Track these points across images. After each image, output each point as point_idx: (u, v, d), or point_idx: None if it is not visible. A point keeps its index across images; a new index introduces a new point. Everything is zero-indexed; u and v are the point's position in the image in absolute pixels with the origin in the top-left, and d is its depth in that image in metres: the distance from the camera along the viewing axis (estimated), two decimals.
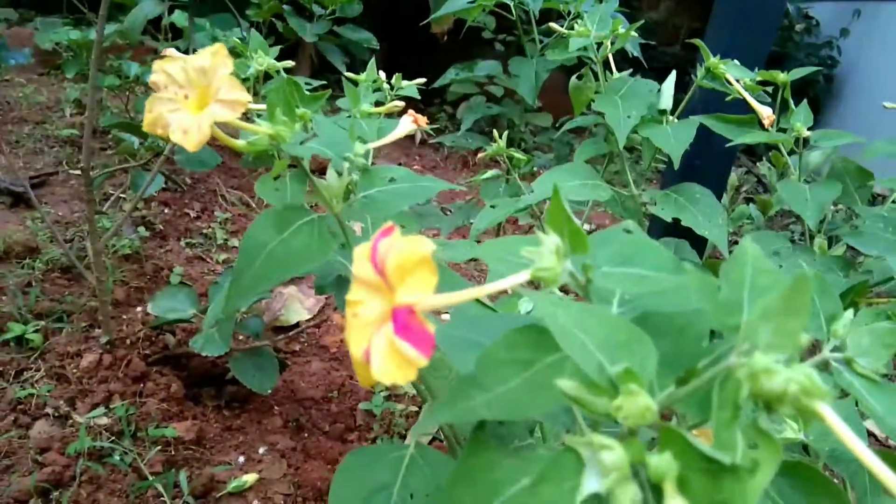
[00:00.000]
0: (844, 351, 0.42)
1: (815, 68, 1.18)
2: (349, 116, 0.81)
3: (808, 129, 1.06)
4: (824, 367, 0.42)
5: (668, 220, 0.93)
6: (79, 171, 2.04)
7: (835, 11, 4.70)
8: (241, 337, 1.52)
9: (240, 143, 0.50)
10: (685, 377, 0.29)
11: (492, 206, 0.97)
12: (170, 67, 0.45)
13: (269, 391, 1.41)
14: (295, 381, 1.60)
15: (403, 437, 1.46)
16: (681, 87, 1.11)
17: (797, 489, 0.32)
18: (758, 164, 2.23)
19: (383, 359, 0.28)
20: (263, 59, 0.79)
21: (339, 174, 0.54)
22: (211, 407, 1.42)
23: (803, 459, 0.41)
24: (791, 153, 1.14)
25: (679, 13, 4.49)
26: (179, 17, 2.10)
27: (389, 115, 0.81)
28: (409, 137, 3.39)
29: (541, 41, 1.48)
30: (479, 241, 1.20)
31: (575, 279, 0.34)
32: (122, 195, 2.11)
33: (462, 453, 0.32)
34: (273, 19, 1.98)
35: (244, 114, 0.53)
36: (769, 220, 2.07)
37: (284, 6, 1.67)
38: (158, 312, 1.27)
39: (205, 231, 2.13)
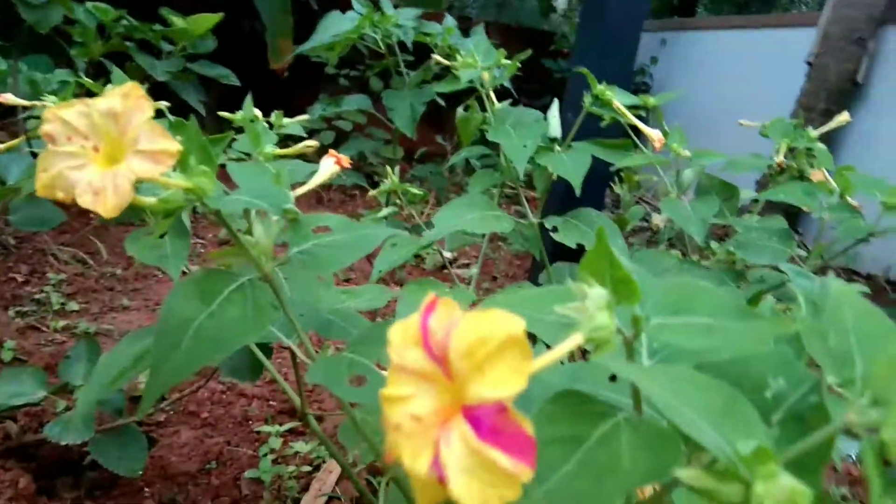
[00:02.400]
0: None
1: (674, 94, 1.24)
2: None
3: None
4: None
5: (573, 246, 0.92)
6: None
7: (645, 40, 5.15)
8: (94, 414, 1.33)
9: (149, 200, 0.41)
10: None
11: (392, 246, 0.91)
12: (68, 114, 0.35)
13: (140, 472, 1.24)
14: (164, 455, 1.42)
15: (297, 501, 1.35)
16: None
17: None
18: (612, 185, 2.36)
19: (469, 474, 0.22)
20: None
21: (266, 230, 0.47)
22: (69, 500, 1.23)
23: None
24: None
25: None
26: None
27: (297, 156, 0.73)
28: None
29: (408, 74, 1.45)
30: (381, 282, 1.14)
31: (621, 334, 0.29)
32: None
33: None
34: (102, 60, 1.80)
35: None
36: (626, 235, 2.18)
37: (128, 43, 1.51)
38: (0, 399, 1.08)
39: (37, 296, 1.88)
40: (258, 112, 0.92)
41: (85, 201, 0.34)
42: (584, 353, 0.56)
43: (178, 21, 1.43)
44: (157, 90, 1.83)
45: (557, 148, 1.02)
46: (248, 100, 0.89)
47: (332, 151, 0.62)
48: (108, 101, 0.36)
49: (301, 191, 0.56)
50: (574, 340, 0.27)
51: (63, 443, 1.02)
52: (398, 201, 1.17)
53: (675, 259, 1.06)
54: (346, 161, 0.62)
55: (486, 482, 0.22)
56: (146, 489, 1.32)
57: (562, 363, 0.49)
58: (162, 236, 0.64)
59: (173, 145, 0.35)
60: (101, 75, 2.07)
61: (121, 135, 0.35)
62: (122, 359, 0.67)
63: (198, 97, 1.55)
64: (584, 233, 0.93)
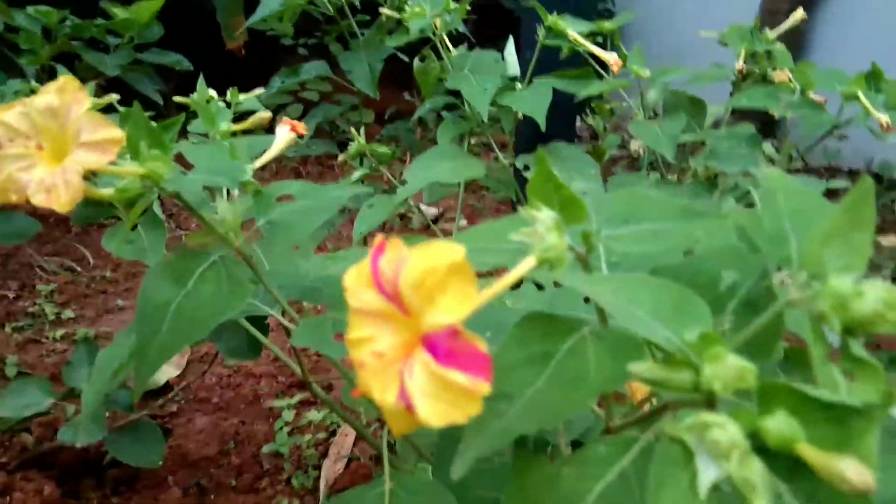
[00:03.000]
0: None
1: (631, 15, 1.23)
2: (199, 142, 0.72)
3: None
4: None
5: None
6: None
7: None
8: (107, 414, 1.35)
9: (106, 191, 0.41)
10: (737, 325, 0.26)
11: (369, 207, 0.92)
12: (7, 116, 0.35)
13: (160, 463, 1.27)
14: (182, 444, 1.45)
15: (318, 468, 1.38)
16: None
17: None
18: (584, 116, 2.35)
19: (431, 398, 0.23)
20: None
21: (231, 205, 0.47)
22: (96, 499, 1.26)
23: None
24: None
25: None
26: None
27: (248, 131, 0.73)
28: None
29: (362, 34, 1.43)
30: (365, 243, 1.14)
31: (574, 251, 0.30)
32: None
33: (512, 478, 0.28)
34: (53, 63, 1.77)
35: None
36: (605, 165, 2.18)
37: (75, 42, 1.48)
38: (8, 413, 1.10)
39: (31, 310, 1.88)
40: (213, 92, 0.91)
41: (39, 200, 0.34)
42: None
43: (119, 12, 1.40)
44: (113, 86, 1.81)
45: (519, 86, 1.02)
46: (201, 81, 0.88)
47: (286, 119, 0.62)
48: (44, 99, 0.36)
49: (260, 162, 0.56)
50: (527, 264, 0.28)
51: (78, 445, 1.04)
52: (372, 164, 1.17)
53: (652, 181, 1.07)
54: (301, 128, 0.62)
55: (449, 402, 0.23)
56: (169, 478, 1.35)
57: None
58: (134, 229, 0.65)
59: (116, 132, 0.35)
60: (54, 80, 2.03)
61: (62, 130, 0.35)
62: (118, 354, 0.68)
63: (153, 87, 1.53)
64: (555, 167, 0.93)
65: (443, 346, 0.24)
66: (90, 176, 0.43)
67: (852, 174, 3.28)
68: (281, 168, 3.23)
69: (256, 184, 0.49)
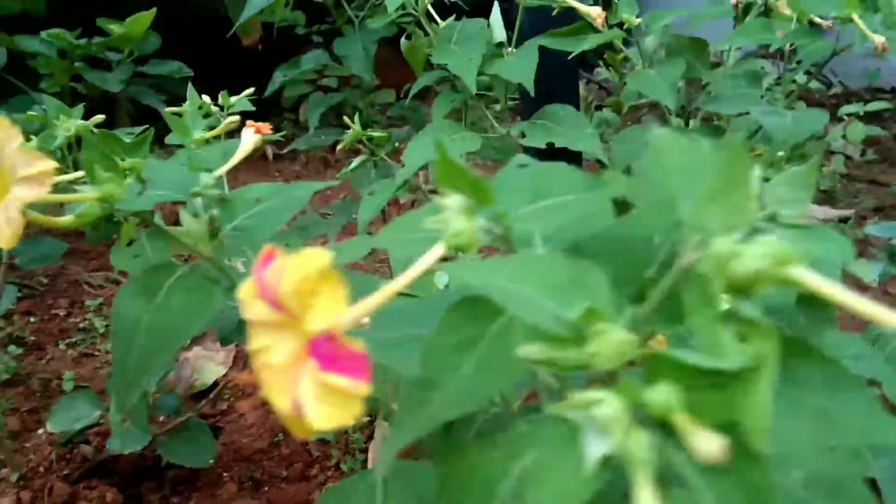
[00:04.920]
0: (764, 208, 0.41)
1: None
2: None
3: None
4: (752, 233, 0.41)
5: (543, 146, 0.92)
6: None
7: None
8: (161, 418, 1.41)
9: (66, 219, 0.43)
10: (640, 293, 0.26)
11: (370, 194, 0.92)
12: None
13: (212, 461, 1.31)
14: (235, 440, 1.50)
15: (364, 451, 1.41)
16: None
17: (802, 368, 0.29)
18: (596, 70, 2.30)
19: (318, 403, 0.23)
20: (69, 122, 0.70)
21: (196, 215, 0.48)
22: (157, 501, 1.31)
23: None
24: (626, 44, 1.15)
25: None
26: None
27: (230, 134, 0.74)
28: (263, 156, 3.21)
29: (357, 17, 1.42)
30: (370, 233, 1.15)
31: (492, 233, 0.30)
32: None
33: (438, 466, 0.28)
34: (73, 84, 1.82)
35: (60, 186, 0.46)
36: (624, 118, 2.13)
37: (76, 63, 1.52)
38: (61, 428, 1.15)
39: (82, 325, 1.96)
40: (206, 98, 0.93)
41: None
42: None
43: (116, 28, 1.43)
44: (131, 102, 1.84)
45: (509, 51, 1.00)
46: (191, 89, 0.90)
47: (250, 122, 0.62)
48: None
49: (225, 168, 0.57)
50: (436, 251, 0.28)
51: (126, 452, 1.09)
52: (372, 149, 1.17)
53: (674, 127, 1.04)
54: (266, 129, 0.62)
55: (334, 405, 0.24)
56: (225, 474, 1.40)
57: None
58: (130, 244, 0.67)
59: (48, 164, 0.36)
60: (76, 100, 2.09)
61: (0, 168, 0.37)
62: None
63: (158, 98, 1.56)
64: (551, 130, 0.92)
65: (325, 352, 0.24)
66: (55, 206, 0.45)
67: (894, 92, 3.13)
68: (311, 158, 3.25)
69: (216, 192, 0.50)
